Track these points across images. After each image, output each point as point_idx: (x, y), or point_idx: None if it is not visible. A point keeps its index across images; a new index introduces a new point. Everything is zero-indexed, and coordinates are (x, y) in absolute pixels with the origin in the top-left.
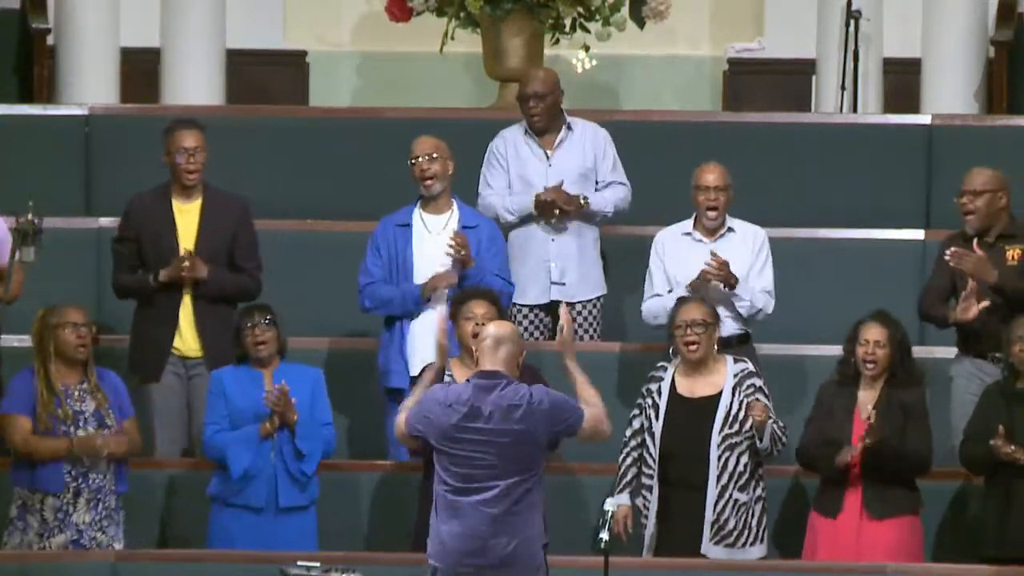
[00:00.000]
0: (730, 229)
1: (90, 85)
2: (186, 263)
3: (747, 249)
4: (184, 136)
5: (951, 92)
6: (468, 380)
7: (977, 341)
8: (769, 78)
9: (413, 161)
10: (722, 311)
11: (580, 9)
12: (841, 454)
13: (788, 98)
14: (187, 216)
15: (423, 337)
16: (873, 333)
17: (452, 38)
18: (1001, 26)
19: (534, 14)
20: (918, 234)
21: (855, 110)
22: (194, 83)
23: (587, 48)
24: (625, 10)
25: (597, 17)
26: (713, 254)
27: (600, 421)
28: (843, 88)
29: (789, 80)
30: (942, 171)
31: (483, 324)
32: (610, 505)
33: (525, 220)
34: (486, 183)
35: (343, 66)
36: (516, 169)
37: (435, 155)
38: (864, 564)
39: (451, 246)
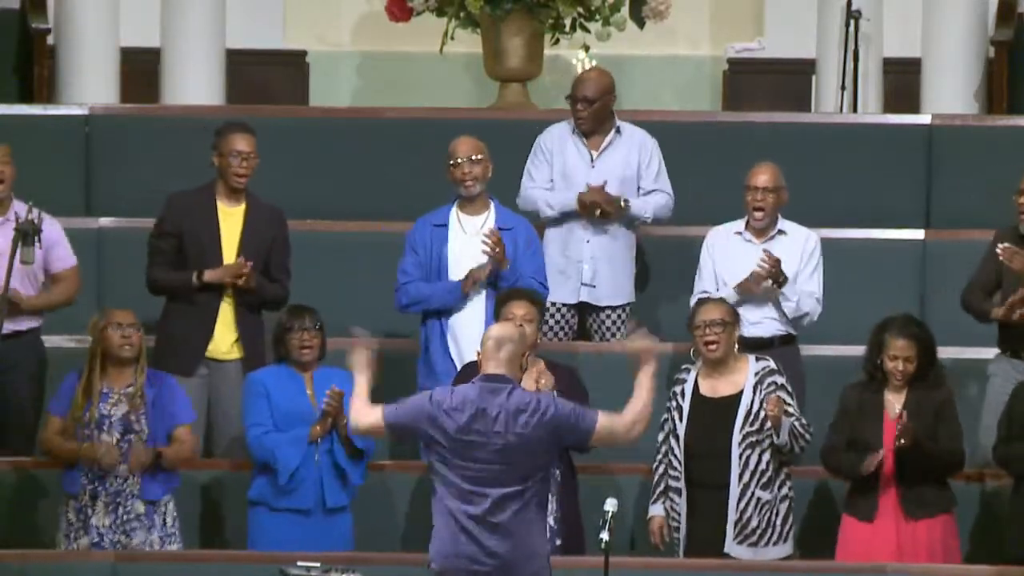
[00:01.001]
0: (781, 231)
1: (90, 85)
2: (245, 271)
3: (797, 252)
4: (238, 139)
5: (951, 92)
6: (473, 382)
7: (1018, 341)
8: (769, 78)
9: (455, 162)
10: (767, 311)
11: (580, 9)
12: (867, 460)
13: (788, 98)
14: (231, 219)
15: (463, 332)
16: (901, 348)
17: (452, 38)
18: (1001, 26)
19: (534, 14)
20: (918, 234)
21: (855, 110)
22: (194, 83)
23: (587, 48)
24: (625, 10)
25: (597, 17)
26: (767, 252)
27: (613, 428)
28: (843, 88)
29: (789, 80)
30: (942, 171)
31: (523, 325)
32: (610, 505)
33: (565, 217)
34: (529, 176)
35: (343, 66)
36: (560, 166)
37: (479, 157)
38: (864, 564)
39: (485, 242)
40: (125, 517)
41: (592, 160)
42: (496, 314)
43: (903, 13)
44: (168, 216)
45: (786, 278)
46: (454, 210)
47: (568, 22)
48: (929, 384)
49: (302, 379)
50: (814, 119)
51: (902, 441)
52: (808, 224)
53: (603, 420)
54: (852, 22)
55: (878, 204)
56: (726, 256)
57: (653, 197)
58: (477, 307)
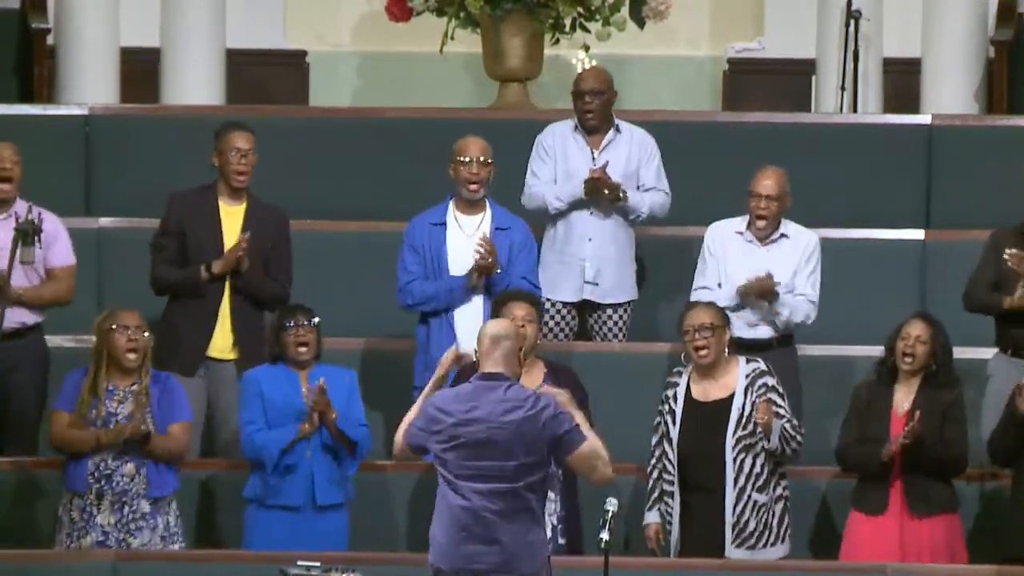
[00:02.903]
0: (783, 235)
1: (90, 85)
2: (244, 245)
3: (797, 256)
4: (237, 137)
5: (951, 92)
6: (471, 381)
7: (1018, 339)
8: (769, 78)
9: (464, 160)
10: (760, 314)
11: (580, 9)
12: (885, 449)
13: (788, 98)
14: (233, 218)
15: (459, 333)
16: (916, 329)
17: (452, 38)
18: (1001, 26)
19: (534, 14)
20: (918, 234)
21: (855, 110)
22: (194, 83)
23: (587, 48)
24: (625, 10)
25: (597, 17)
26: (768, 274)
27: (600, 458)
28: (843, 88)
29: (789, 80)
30: (942, 171)
31: (522, 326)
32: (610, 505)
33: (573, 208)
34: (533, 173)
35: (343, 66)
36: (562, 164)
37: (488, 160)
38: (864, 564)
39: (479, 250)
40: (131, 516)
41: (594, 158)
42: (494, 316)
43: (903, 13)
44: (171, 215)
45: (777, 296)
46: (451, 209)
47: (568, 22)
48: (940, 384)
49: (297, 377)
50: (814, 119)
51: (906, 440)
52: (808, 224)
53: (589, 447)
54: (852, 22)
55: (878, 204)
56: (727, 254)
57: (651, 194)
58: (475, 308)
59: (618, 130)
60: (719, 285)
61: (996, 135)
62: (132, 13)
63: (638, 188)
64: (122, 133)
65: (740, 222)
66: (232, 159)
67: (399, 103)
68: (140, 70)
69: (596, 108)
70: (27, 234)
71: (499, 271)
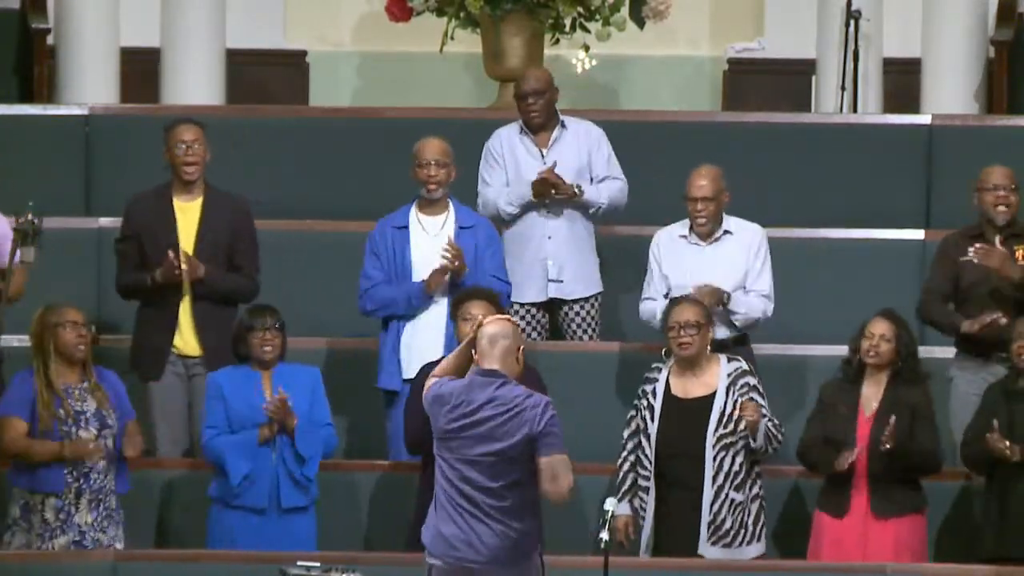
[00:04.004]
0: (727, 232)
1: (90, 85)
2: (183, 265)
3: (744, 252)
4: (182, 131)
5: (951, 92)
6: (469, 375)
7: (979, 342)
8: (769, 78)
9: (420, 163)
10: (718, 314)
11: (580, 9)
12: (840, 458)
13: (788, 98)
14: (188, 214)
15: (419, 336)
16: (879, 327)
17: (452, 38)
18: (1001, 26)
19: (534, 14)
20: (918, 234)
21: (855, 110)
22: (194, 83)
23: (587, 48)
24: (625, 10)
25: (597, 17)
26: (702, 288)
27: (566, 471)
28: (843, 88)
29: (789, 80)
30: (942, 171)
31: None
32: (610, 505)
33: (525, 211)
34: (484, 181)
35: (343, 66)
36: (512, 167)
37: (444, 161)
38: (864, 564)
39: (445, 255)
40: (105, 513)
41: (543, 157)
42: (452, 315)
43: (903, 13)
44: (127, 219)
45: (729, 297)
46: (413, 211)
47: (568, 22)
48: (907, 382)
49: (260, 378)
50: (814, 119)
51: (887, 446)
52: (808, 224)
53: (561, 457)
54: (852, 22)
55: (878, 204)
56: (672, 261)
57: (606, 184)
58: (437, 312)
59: (564, 126)
60: (665, 296)
61: (996, 135)
62: (132, 13)
63: (591, 180)
64: (122, 133)
65: (682, 226)
66: (178, 152)
67: (399, 103)
68: (140, 70)
69: (540, 108)
70: (27, 234)
71: (467, 271)
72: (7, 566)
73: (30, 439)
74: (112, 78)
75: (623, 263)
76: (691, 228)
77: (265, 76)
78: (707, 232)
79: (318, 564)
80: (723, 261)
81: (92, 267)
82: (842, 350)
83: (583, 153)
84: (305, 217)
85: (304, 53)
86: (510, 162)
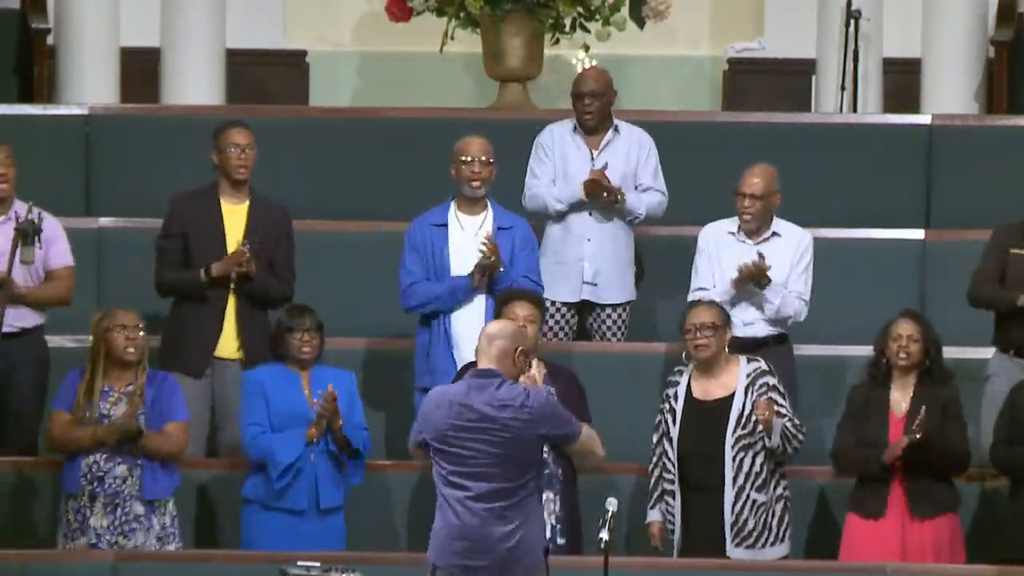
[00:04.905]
0: (775, 234)
1: (90, 85)
2: (246, 256)
3: (790, 254)
4: (236, 134)
5: (951, 92)
6: (464, 378)
7: (1016, 339)
8: (769, 78)
9: (466, 159)
10: (756, 313)
11: (580, 9)
12: (890, 449)
13: (788, 98)
14: (235, 216)
15: (465, 332)
16: (906, 328)
17: (452, 38)
18: (1001, 26)
19: (534, 14)
20: (918, 234)
21: (855, 110)
22: (194, 83)
23: (587, 48)
24: (625, 10)
25: (597, 17)
26: (759, 255)
27: (596, 443)
28: (843, 88)
29: (789, 80)
30: (942, 171)
31: (524, 326)
32: (610, 505)
33: (573, 210)
34: (533, 174)
35: (343, 66)
36: (561, 164)
37: (488, 160)
38: (864, 564)
39: (482, 250)
40: (124, 518)
41: (592, 158)
42: (497, 315)
43: (903, 13)
44: (173, 217)
45: (769, 280)
46: (452, 209)
47: (568, 22)
48: (935, 381)
49: (299, 378)
50: (814, 119)
51: (918, 436)
52: (808, 224)
53: (586, 431)
54: (852, 22)
55: (878, 204)
56: (720, 254)
57: (648, 195)
58: (477, 308)
59: (617, 130)
60: (714, 285)
61: (996, 135)
62: (132, 13)
63: (636, 188)
64: (122, 133)
65: (732, 223)
66: (232, 155)
67: (399, 103)
68: (140, 70)
69: (595, 110)
70: (27, 234)
71: (502, 269)
72: (7, 566)
73: (70, 428)
74: (112, 78)
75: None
76: (739, 226)
77: (265, 76)
78: (753, 230)
79: (318, 564)
80: (770, 261)
81: (92, 267)
82: (842, 350)
83: (632, 160)
84: (305, 217)
85: (304, 53)
86: (559, 158)
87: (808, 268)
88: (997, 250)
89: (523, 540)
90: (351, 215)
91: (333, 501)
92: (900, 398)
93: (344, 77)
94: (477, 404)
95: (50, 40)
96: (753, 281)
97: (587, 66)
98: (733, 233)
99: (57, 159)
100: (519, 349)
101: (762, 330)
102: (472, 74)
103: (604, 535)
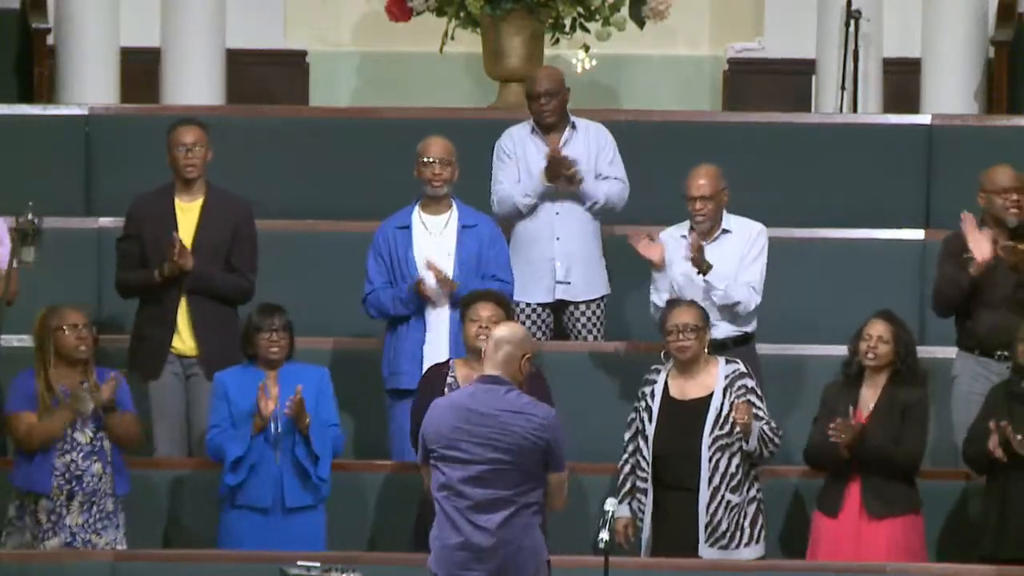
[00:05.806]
0: (725, 231)
1: (90, 85)
2: (175, 249)
3: (739, 247)
4: (183, 132)
5: (951, 92)
6: (471, 383)
7: (979, 338)
8: (769, 78)
9: (426, 161)
10: (715, 314)
11: (580, 9)
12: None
13: (788, 98)
14: (188, 214)
15: (432, 332)
16: (876, 329)
17: (452, 38)
18: (1001, 26)
19: (534, 14)
20: (918, 234)
21: (855, 110)
22: (194, 83)
23: (587, 48)
24: (625, 10)
25: (597, 17)
26: (693, 238)
27: (565, 489)
28: (843, 88)
29: (789, 80)
30: (942, 171)
31: (487, 327)
32: (610, 505)
33: (541, 200)
34: (497, 179)
35: (343, 66)
36: (523, 166)
37: (448, 159)
38: (864, 564)
39: (432, 273)
40: (97, 515)
41: None
42: (461, 316)
43: (903, 13)
44: (129, 218)
45: (710, 266)
46: (416, 210)
47: (568, 22)
48: (905, 383)
49: (264, 377)
50: (814, 119)
51: (842, 437)
52: (808, 224)
53: (562, 476)
54: (852, 22)
55: (878, 204)
56: (675, 260)
57: (607, 183)
58: (442, 311)
59: (574, 127)
60: (671, 292)
61: (996, 135)
62: (132, 13)
63: (596, 178)
64: (122, 133)
65: (684, 227)
66: (179, 154)
67: (399, 103)
68: (140, 70)
69: (552, 108)
70: (27, 234)
71: (459, 285)
72: (6, 566)
73: (37, 424)
74: (112, 78)
75: (623, 263)
76: (691, 228)
77: (265, 76)
78: (706, 231)
79: (318, 564)
80: (721, 259)
81: (92, 267)
82: (842, 350)
83: (592, 154)
84: (305, 217)
85: (304, 53)
86: (521, 161)
87: (758, 258)
88: (950, 257)
89: (523, 547)
90: (351, 215)
91: (299, 500)
92: (869, 398)
93: (344, 77)
94: (484, 409)
95: (50, 40)
96: (695, 267)
97: (587, 66)
98: (685, 236)
99: (57, 159)
100: (525, 355)
101: (723, 332)
102: (472, 74)
103: (604, 535)
